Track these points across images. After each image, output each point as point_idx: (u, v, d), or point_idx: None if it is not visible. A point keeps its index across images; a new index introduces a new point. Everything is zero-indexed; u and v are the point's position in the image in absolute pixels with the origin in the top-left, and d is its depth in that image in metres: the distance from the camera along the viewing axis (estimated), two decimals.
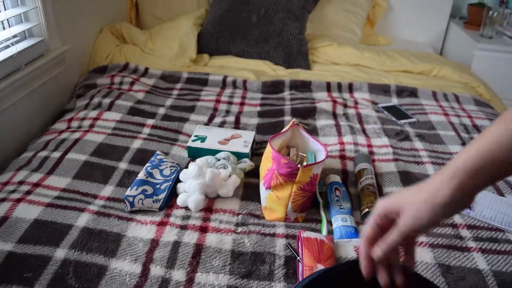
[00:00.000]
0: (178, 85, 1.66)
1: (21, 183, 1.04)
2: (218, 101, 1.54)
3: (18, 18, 1.41)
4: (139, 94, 1.53)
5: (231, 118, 1.42)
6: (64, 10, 1.57)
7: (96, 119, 1.33)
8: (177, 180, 1.07)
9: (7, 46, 1.31)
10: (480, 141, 0.54)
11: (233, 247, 0.88)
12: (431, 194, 0.54)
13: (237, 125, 1.38)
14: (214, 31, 1.94)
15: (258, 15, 1.93)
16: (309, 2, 2.04)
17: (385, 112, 1.50)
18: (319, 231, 0.95)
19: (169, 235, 0.91)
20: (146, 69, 1.74)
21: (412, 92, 1.65)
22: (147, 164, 1.07)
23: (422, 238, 0.93)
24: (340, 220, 0.96)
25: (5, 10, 1.34)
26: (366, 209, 0.98)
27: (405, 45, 2.34)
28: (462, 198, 0.53)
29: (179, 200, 1.00)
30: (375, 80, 1.77)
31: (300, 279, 0.80)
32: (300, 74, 1.83)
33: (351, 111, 1.49)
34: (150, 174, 1.03)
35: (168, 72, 1.74)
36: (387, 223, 0.60)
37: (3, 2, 1.33)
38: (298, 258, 0.84)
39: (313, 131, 1.36)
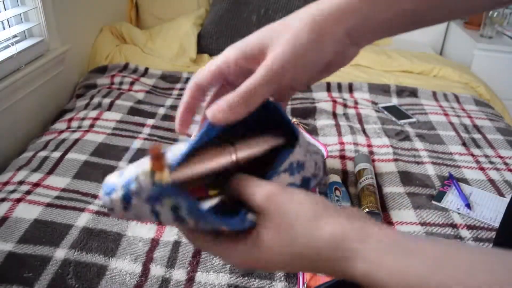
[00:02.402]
0: (178, 85, 1.66)
1: (21, 183, 1.04)
2: None
3: (18, 18, 1.41)
4: (139, 94, 1.53)
5: None
6: (64, 10, 1.57)
7: (96, 119, 1.33)
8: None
9: (7, 46, 1.30)
10: None
11: None
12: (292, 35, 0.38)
13: None
14: (214, 31, 1.94)
15: (258, 15, 1.93)
16: (309, 2, 2.04)
17: (385, 112, 1.50)
18: None
19: (169, 234, 0.91)
20: (146, 69, 1.74)
21: (412, 92, 1.65)
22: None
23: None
24: None
25: (5, 10, 1.34)
26: (366, 209, 0.98)
27: (405, 45, 2.33)
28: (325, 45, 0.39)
29: None
30: (375, 80, 1.77)
31: (301, 279, 0.80)
32: None
33: (351, 111, 1.49)
34: None
35: (168, 72, 1.74)
36: (235, 75, 0.41)
37: (3, 2, 1.33)
38: None
39: (313, 131, 1.36)
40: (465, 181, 1.13)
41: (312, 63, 0.39)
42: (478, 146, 1.30)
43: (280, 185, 0.36)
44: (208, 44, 1.95)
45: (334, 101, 1.52)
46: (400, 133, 1.35)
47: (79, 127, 1.30)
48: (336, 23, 0.38)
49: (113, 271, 0.82)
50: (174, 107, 1.48)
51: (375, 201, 1.00)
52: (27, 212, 0.94)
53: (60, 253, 0.84)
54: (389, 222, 0.99)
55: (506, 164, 1.21)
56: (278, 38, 0.38)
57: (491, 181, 1.13)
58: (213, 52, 1.96)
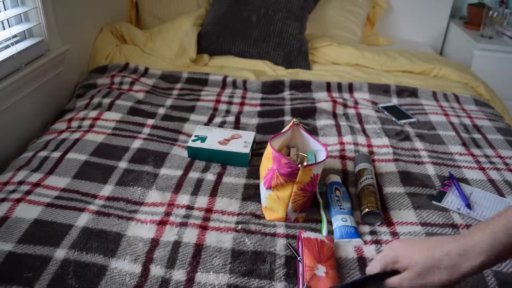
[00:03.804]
0: (178, 85, 1.66)
1: (21, 183, 1.04)
2: (218, 101, 1.54)
3: (18, 18, 1.41)
4: (139, 94, 1.53)
5: (231, 118, 1.42)
6: (64, 10, 1.57)
7: (96, 119, 1.33)
8: None
9: (7, 46, 1.30)
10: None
11: (233, 246, 0.88)
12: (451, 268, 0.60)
13: (237, 125, 1.38)
14: (214, 31, 1.94)
15: (258, 15, 1.93)
16: (309, 2, 2.04)
17: (385, 112, 1.50)
18: (319, 231, 0.95)
19: (169, 234, 0.91)
20: (146, 69, 1.74)
21: (412, 92, 1.65)
22: None
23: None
24: (340, 220, 0.95)
25: (5, 10, 1.34)
26: (366, 209, 0.98)
27: (405, 45, 2.34)
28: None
29: None
30: (375, 80, 1.77)
31: (301, 279, 0.80)
32: (300, 74, 1.83)
33: (351, 111, 1.49)
34: None
35: (168, 72, 1.74)
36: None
37: (3, 2, 1.33)
38: (298, 258, 0.84)
39: (313, 131, 1.36)
40: (465, 181, 1.13)
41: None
42: (478, 146, 1.30)
43: None
44: (208, 44, 1.95)
45: (334, 101, 1.52)
46: (400, 133, 1.35)
47: (79, 127, 1.30)
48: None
49: (113, 271, 0.82)
50: (174, 107, 1.48)
51: (375, 201, 1.00)
52: (27, 212, 0.94)
53: (60, 253, 0.84)
54: (389, 222, 0.99)
55: (506, 164, 1.21)
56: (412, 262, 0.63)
57: (491, 181, 1.13)
58: (213, 52, 1.96)
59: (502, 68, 2.20)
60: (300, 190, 0.94)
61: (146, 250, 0.87)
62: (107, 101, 1.43)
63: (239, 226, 0.94)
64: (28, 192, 1.00)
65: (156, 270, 0.82)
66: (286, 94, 1.61)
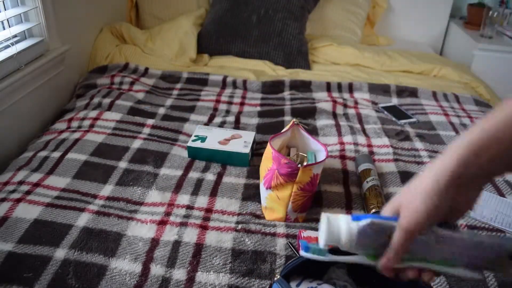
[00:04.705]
0: (178, 85, 1.66)
1: (21, 183, 1.04)
2: (218, 101, 1.54)
3: (18, 18, 1.41)
4: (139, 94, 1.53)
5: (231, 118, 1.42)
6: (64, 10, 1.57)
7: (96, 119, 1.33)
8: None
9: (7, 46, 1.30)
10: (484, 122, 0.48)
11: (234, 245, 0.88)
12: (430, 180, 0.48)
13: (237, 125, 1.38)
14: (214, 31, 1.94)
15: (258, 15, 1.93)
16: (309, 2, 2.04)
17: (385, 112, 1.50)
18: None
19: (169, 234, 0.91)
20: (146, 69, 1.74)
21: (412, 92, 1.65)
22: None
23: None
24: None
25: (5, 10, 1.34)
26: (376, 209, 0.97)
27: (405, 45, 2.33)
28: (465, 178, 0.47)
29: None
30: (375, 80, 1.77)
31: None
32: (300, 74, 1.83)
33: (351, 111, 1.49)
34: None
35: (168, 72, 1.74)
36: None
37: (3, 2, 1.33)
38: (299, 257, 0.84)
39: (313, 131, 1.36)
40: None
41: (437, 219, 0.50)
42: None
43: None
44: (208, 44, 1.95)
45: (334, 101, 1.52)
46: (400, 133, 1.35)
47: (79, 127, 1.30)
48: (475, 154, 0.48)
49: (113, 271, 0.82)
50: (174, 107, 1.48)
51: (382, 202, 1.00)
52: (27, 212, 0.94)
53: (60, 253, 0.84)
54: None
55: None
56: (408, 207, 0.50)
57: (491, 181, 1.13)
58: (213, 52, 1.96)
59: (502, 68, 2.20)
60: (300, 190, 0.94)
61: (146, 249, 0.87)
62: (107, 101, 1.43)
63: (239, 226, 0.94)
64: (28, 192, 1.00)
65: (157, 270, 0.82)
66: (286, 94, 1.61)
